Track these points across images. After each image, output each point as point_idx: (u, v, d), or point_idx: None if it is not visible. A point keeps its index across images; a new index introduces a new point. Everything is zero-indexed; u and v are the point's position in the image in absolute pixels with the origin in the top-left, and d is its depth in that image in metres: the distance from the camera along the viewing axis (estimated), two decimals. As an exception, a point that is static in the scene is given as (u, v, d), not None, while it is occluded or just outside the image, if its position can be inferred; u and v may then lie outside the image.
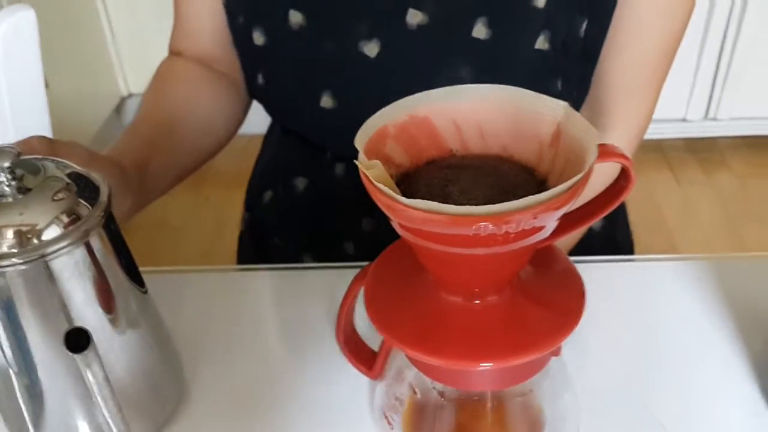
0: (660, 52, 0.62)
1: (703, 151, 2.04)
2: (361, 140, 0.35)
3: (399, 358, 0.44)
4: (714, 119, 1.99)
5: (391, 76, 0.61)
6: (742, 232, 1.76)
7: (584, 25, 0.59)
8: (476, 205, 0.35)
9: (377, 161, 0.34)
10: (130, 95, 2.17)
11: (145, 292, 0.48)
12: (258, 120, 0.79)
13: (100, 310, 0.42)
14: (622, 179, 0.37)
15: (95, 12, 1.99)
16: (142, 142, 0.60)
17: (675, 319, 0.55)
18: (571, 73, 0.62)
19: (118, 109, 2.18)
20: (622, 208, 0.81)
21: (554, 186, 0.32)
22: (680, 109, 1.98)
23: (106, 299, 0.43)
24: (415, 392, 0.43)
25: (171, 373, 0.50)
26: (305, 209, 0.74)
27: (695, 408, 0.49)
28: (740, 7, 1.78)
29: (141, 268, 0.48)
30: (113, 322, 0.44)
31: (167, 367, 0.50)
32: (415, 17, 0.58)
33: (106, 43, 2.06)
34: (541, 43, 0.58)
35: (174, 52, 0.71)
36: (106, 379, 0.38)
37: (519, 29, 0.58)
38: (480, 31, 0.57)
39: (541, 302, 0.39)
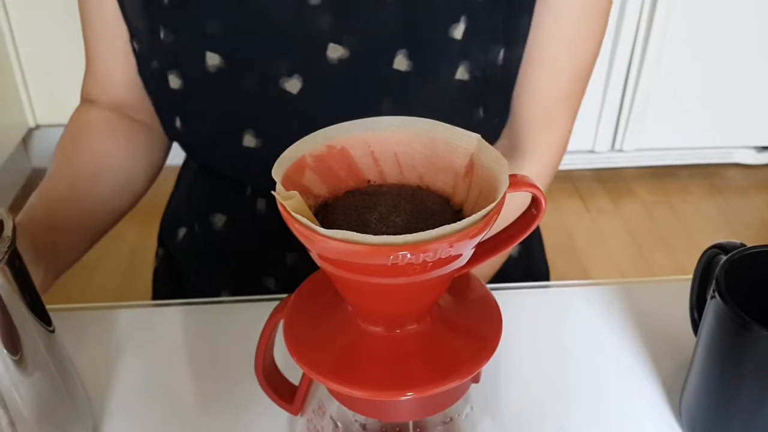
0: (570, 84, 0.64)
1: (610, 181, 2.13)
2: (278, 171, 0.35)
3: (320, 392, 0.43)
4: (620, 150, 2.09)
5: (314, 111, 0.60)
6: (649, 258, 1.84)
7: (502, 53, 0.61)
8: (394, 231, 0.35)
9: (295, 192, 0.33)
10: (38, 126, 2.08)
11: (52, 331, 0.45)
12: (175, 152, 0.77)
13: (4, 351, 0.40)
14: (533, 207, 0.38)
15: (0, 39, 1.91)
16: (55, 204, 0.57)
17: (589, 342, 0.57)
18: (492, 100, 0.63)
19: (25, 140, 2.09)
20: (537, 236, 0.83)
21: (469, 215, 0.32)
22: (588, 142, 2.07)
23: (11, 339, 0.40)
24: (336, 426, 0.42)
25: (79, 416, 0.48)
26: (224, 246, 0.72)
27: (610, 430, 0.50)
28: (641, 46, 1.88)
29: (48, 306, 0.46)
30: (18, 363, 0.41)
31: (75, 410, 0.47)
32: (335, 52, 0.58)
33: (12, 71, 1.97)
34: (461, 73, 0.60)
35: (87, 100, 0.69)
36: (11, 424, 0.36)
37: (438, 60, 0.59)
38: (401, 62, 0.58)
39: (460, 329, 0.40)
